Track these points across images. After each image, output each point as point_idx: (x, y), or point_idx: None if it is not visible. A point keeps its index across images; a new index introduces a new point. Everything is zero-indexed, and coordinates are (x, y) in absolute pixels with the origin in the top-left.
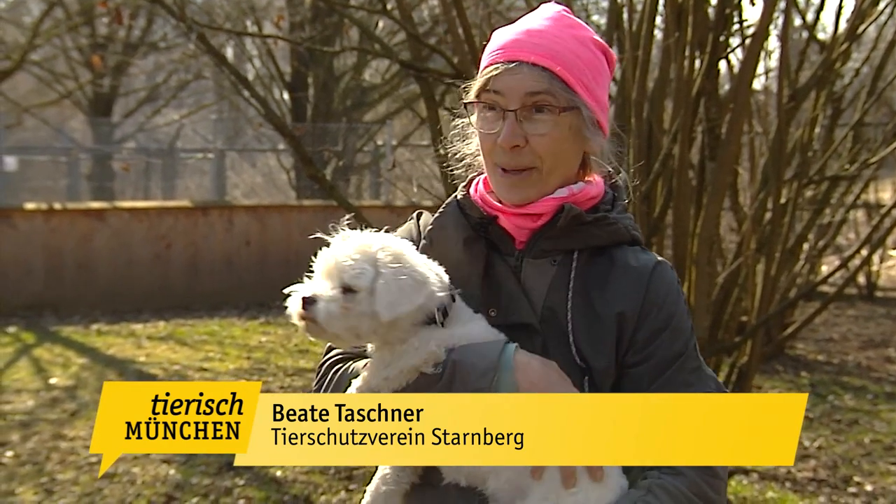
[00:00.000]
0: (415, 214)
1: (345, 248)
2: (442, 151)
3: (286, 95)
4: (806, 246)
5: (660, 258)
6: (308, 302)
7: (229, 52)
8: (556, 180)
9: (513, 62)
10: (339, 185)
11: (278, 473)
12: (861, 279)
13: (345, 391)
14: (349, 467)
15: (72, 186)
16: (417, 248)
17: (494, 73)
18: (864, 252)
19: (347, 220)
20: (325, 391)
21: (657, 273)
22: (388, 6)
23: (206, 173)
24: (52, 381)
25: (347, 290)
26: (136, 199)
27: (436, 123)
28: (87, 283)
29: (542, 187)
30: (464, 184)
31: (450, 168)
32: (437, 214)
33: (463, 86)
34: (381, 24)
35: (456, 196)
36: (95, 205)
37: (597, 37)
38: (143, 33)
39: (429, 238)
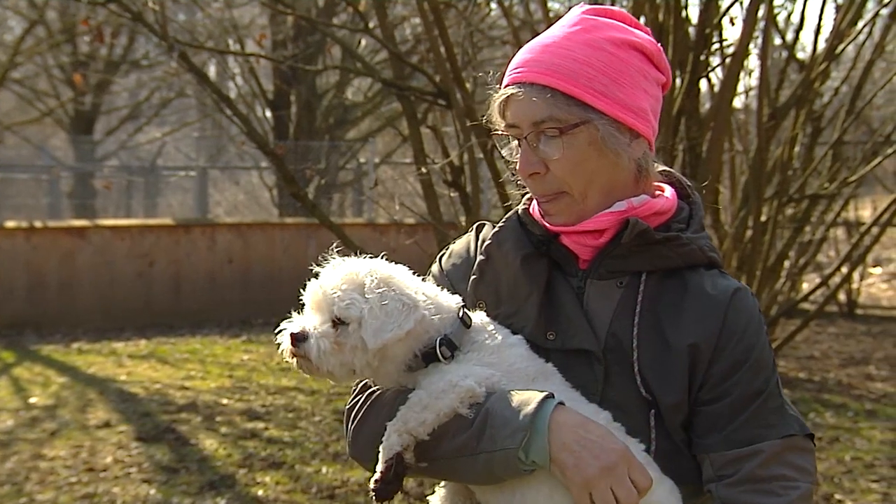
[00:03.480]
0: (475, 226)
1: (332, 278)
2: (423, 170)
3: (269, 113)
4: (787, 264)
5: (740, 284)
6: (298, 339)
7: (212, 70)
8: (596, 199)
9: (516, 86)
10: (321, 203)
11: (260, 493)
12: (842, 297)
13: (381, 427)
14: (331, 486)
15: (53, 204)
16: (474, 263)
17: (503, 98)
18: (845, 270)
19: (337, 247)
20: (358, 416)
21: (736, 301)
22: (370, 25)
23: (188, 191)
24: (32, 400)
25: (338, 322)
26: (118, 217)
27: (418, 141)
28: (69, 301)
29: (581, 209)
30: (526, 197)
31: (432, 185)
32: (496, 228)
33: (488, 112)
34: (363, 42)
35: (517, 210)
36: (77, 223)
37: (629, 35)
38: (125, 51)
39: (486, 253)
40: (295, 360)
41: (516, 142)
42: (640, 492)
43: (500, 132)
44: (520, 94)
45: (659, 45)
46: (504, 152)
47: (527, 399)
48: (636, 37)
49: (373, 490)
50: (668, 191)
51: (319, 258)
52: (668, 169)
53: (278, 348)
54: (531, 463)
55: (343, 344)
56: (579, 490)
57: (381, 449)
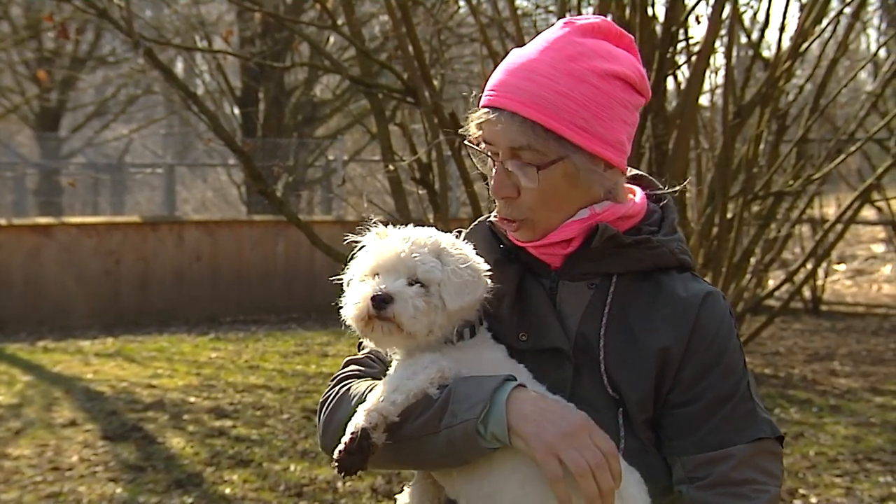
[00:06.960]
0: None
1: (403, 243)
2: (392, 167)
3: (236, 110)
4: (752, 260)
5: (712, 288)
6: (383, 301)
7: (179, 67)
8: (561, 220)
9: (495, 109)
10: (289, 201)
11: (227, 491)
12: (806, 293)
13: (352, 414)
14: (298, 484)
15: (18, 202)
16: None
17: (481, 120)
18: (809, 266)
19: (380, 219)
20: (329, 406)
21: (707, 305)
22: (338, 22)
23: (155, 188)
24: None
25: (417, 284)
26: (85, 214)
27: (386, 139)
28: (35, 299)
29: (544, 229)
30: (497, 207)
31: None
32: (464, 235)
33: (464, 122)
34: (331, 39)
35: (488, 218)
36: (43, 220)
37: (613, 65)
38: (91, 47)
39: None
40: (372, 324)
41: (490, 157)
42: (606, 455)
43: (477, 148)
44: (500, 119)
45: (641, 69)
46: (476, 161)
47: (488, 379)
48: (620, 65)
49: (336, 461)
50: (638, 194)
51: (362, 230)
52: (639, 172)
53: (341, 316)
54: (491, 437)
55: (428, 303)
56: (544, 456)
57: (347, 425)
